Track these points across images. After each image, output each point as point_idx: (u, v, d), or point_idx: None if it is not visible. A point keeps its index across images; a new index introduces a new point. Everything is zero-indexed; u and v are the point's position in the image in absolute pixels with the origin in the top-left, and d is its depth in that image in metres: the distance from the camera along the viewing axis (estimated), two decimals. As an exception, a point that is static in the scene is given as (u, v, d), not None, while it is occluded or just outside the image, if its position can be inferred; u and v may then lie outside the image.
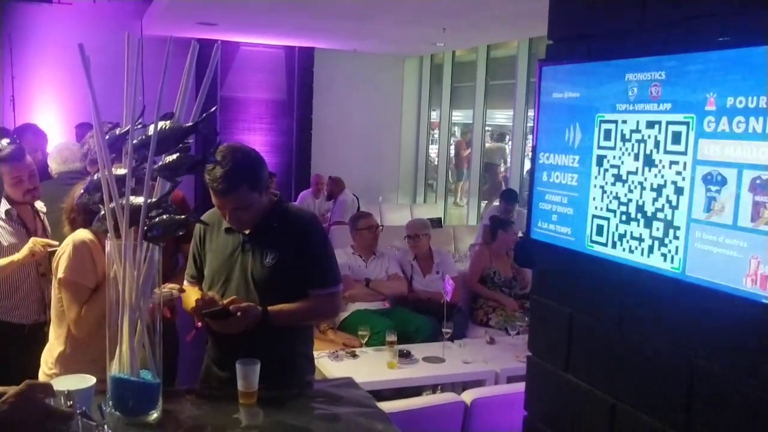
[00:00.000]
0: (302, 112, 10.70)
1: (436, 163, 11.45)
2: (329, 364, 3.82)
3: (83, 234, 2.46)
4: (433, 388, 4.02)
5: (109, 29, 8.56)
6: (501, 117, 10.33)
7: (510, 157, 9.59)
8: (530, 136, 9.49)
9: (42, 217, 3.24)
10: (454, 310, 4.79)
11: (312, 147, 10.80)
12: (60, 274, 2.44)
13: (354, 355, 4.01)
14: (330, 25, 8.27)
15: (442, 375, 3.89)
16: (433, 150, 11.60)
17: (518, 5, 6.29)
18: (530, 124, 9.21)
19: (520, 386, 3.15)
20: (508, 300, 5.33)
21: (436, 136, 11.42)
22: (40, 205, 3.25)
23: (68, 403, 1.55)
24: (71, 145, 3.96)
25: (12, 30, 8.70)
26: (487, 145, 10.27)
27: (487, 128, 10.22)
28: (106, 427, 1.82)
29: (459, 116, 11.08)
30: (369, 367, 3.79)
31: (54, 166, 3.77)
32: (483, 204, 10.14)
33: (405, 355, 3.98)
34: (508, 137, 9.94)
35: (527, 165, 9.51)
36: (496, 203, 8.85)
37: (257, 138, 10.31)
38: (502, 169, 10.52)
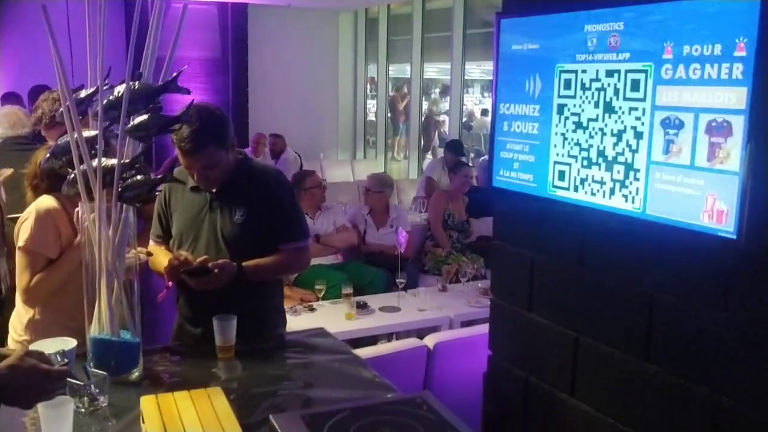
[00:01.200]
0: (237, 70, 10.51)
1: (374, 118, 11.47)
2: (289, 319, 3.86)
3: (47, 202, 2.42)
4: (388, 337, 4.14)
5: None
6: (437, 70, 10.39)
7: (449, 109, 9.69)
8: (469, 89, 9.61)
9: None
10: (406, 262, 4.90)
11: (249, 105, 10.65)
12: (20, 242, 2.40)
13: (312, 309, 4.09)
14: (263, -21, 8.12)
15: (400, 323, 4.00)
16: (372, 105, 11.60)
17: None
18: (467, 76, 9.31)
19: (478, 329, 3.31)
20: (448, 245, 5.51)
21: (375, 91, 11.42)
22: None
23: (64, 361, 1.58)
24: (16, 110, 3.83)
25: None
26: (424, 99, 10.34)
27: (424, 82, 10.28)
28: (92, 386, 1.85)
29: (396, 71, 11.08)
30: (328, 319, 3.86)
31: (-1, 131, 3.65)
32: (426, 158, 10.25)
33: (362, 306, 4.08)
34: (445, 90, 10.03)
35: (465, 118, 9.64)
36: (437, 156, 8.98)
37: (194, 97, 10.09)
38: (440, 121, 10.63)
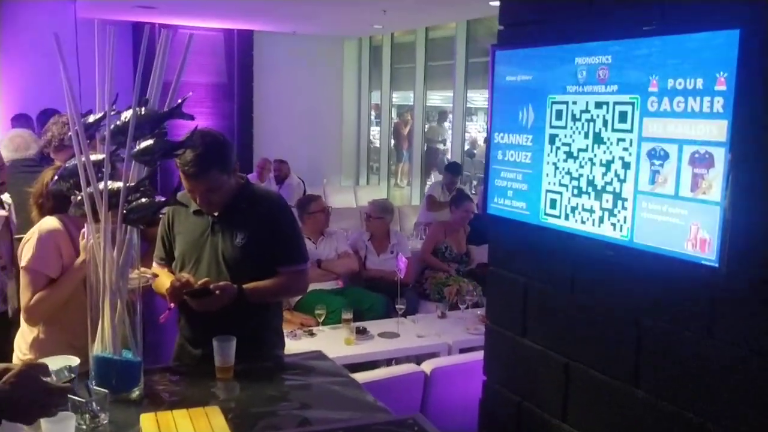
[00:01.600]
0: (243, 96, 10.66)
1: (378, 144, 11.57)
2: (288, 343, 3.91)
3: (50, 223, 2.49)
4: (388, 362, 4.17)
5: (40, 11, 8.37)
6: (440, 98, 10.51)
7: (450, 137, 9.78)
8: (472, 117, 9.71)
9: (6, 208, 3.22)
10: (406, 288, 4.94)
11: (254, 130, 10.78)
12: (23, 262, 2.47)
13: (312, 334, 4.13)
14: (268, 7, 8.26)
15: (399, 349, 4.03)
16: (375, 132, 11.71)
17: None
18: (469, 105, 9.42)
19: (475, 355, 3.34)
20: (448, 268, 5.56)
21: (378, 117, 11.53)
22: (6, 197, 3.23)
23: (70, 376, 1.62)
24: (23, 133, 3.92)
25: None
26: (427, 126, 10.45)
27: (428, 109, 10.39)
28: (94, 403, 1.90)
29: (399, 98, 11.21)
30: (327, 344, 3.88)
31: (6, 154, 3.72)
32: (427, 183, 10.33)
33: (361, 332, 4.11)
34: (448, 118, 10.13)
35: (467, 146, 9.73)
36: (438, 178, 9.06)
37: (198, 122, 10.21)
38: (443, 149, 10.72)
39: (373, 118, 11.74)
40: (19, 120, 6.57)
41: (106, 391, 1.94)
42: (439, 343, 4.13)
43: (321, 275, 4.92)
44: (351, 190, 10.48)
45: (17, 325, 2.62)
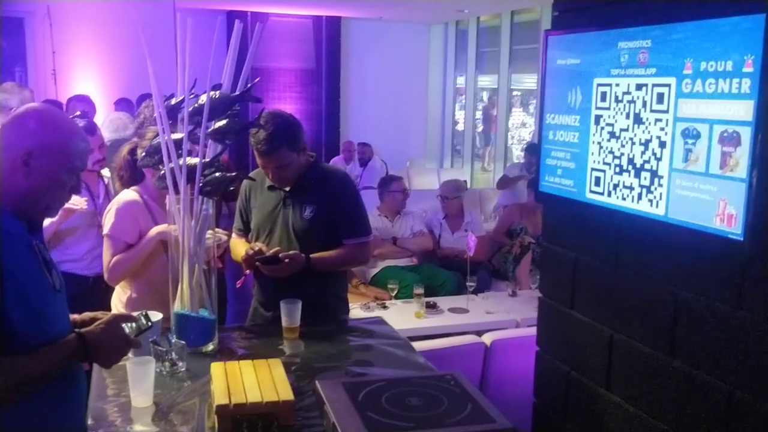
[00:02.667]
0: (330, 81, 10.93)
1: (462, 128, 11.64)
2: (360, 313, 4.13)
3: (128, 195, 2.80)
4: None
5: (143, 1, 8.89)
6: (527, 81, 10.47)
7: (535, 119, 9.74)
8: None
9: (107, 182, 3.58)
10: (479, 267, 5.07)
11: (340, 114, 11.05)
12: (105, 229, 2.81)
13: (384, 307, 4.31)
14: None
15: (466, 324, 4.12)
16: (460, 115, 11.78)
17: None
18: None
19: (534, 330, 3.42)
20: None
21: (463, 101, 11.59)
22: (105, 171, 3.61)
23: (149, 324, 1.88)
24: (121, 115, 4.32)
25: (51, 6, 9.04)
26: (513, 109, 10.44)
27: (514, 93, 10.37)
28: (173, 353, 2.15)
29: (485, 81, 11.22)
30: (398, 317, 4.04)
31: (106, 135, 4.12)
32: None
33: (431, 306, 4.26)
34: (532, 101, 10.10)
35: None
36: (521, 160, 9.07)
37: (287, 107, 10.57)
38: (527, 132, 10.69)
39: (460, 101, 11.79)
40: (121, 104, 7.09)
41: (184, 342, 2.19)
42: (507, 320, 4.19)
43: (396, 252, 5.10)
44: (435, 173, 10.60)
45: (102, 288, 2.96)
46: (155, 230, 2.67)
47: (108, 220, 2.78)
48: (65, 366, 1.70)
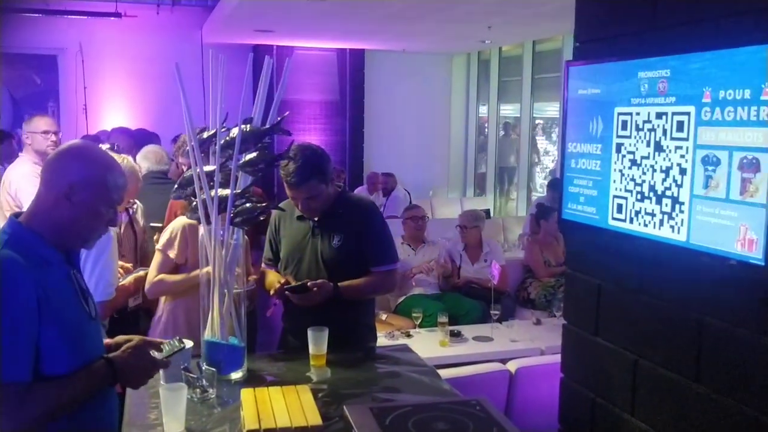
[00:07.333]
0: (354, 112, 11.07)
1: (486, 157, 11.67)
2: (386, 342, 4.15)
3: (182, 220, 2.96)
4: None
5: (171, 39, 9.13)
6: (549, 109, 10.52)
7: (558, 147, 9.76)
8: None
9: (131, 212, 3.67)
10: (502, 295, 5.07)
11: (364, 145, 11.17)
12: (158, 245, 2.97)
13: (408, 335, 4.32)
14: (380, 28, 8.59)
15: (491, 352, 4.11)
16: (482, 143, 11.81)
17: (562, 0, 6.51)
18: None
19: (558, 357, 3.42)
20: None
21: (485, 130, 11.65)
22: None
23: (181, 346, 1.94)
24: (157, 149, 4.48)
25: (83, 43, 9.30)
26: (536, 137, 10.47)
27: (537, 121, 10.41)
28: (204, 380, 2.21)
29: (507, 110, 11.29)
30: (423, 345, 4.05)
31: (144, 165, 4.26)
32: (533, 196, 10.35)
33: (456, 335, 4.27)
34: (555, 129, 10.12)
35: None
36: (544, 194, 9.07)
37: (312, 138, 10.69)
38: (550, 160, 10.70)
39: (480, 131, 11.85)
40: (116, 132, 7.08)
41: (214, 369, 2.24)
42: (532, 348, 4.18)
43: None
44: (458, 202, 10.64)
45: (144, 316, 3.05)
46: (206, 270, 2.78)
47: (162, 237, 2.97)
48: (95, 390, 1.77)
